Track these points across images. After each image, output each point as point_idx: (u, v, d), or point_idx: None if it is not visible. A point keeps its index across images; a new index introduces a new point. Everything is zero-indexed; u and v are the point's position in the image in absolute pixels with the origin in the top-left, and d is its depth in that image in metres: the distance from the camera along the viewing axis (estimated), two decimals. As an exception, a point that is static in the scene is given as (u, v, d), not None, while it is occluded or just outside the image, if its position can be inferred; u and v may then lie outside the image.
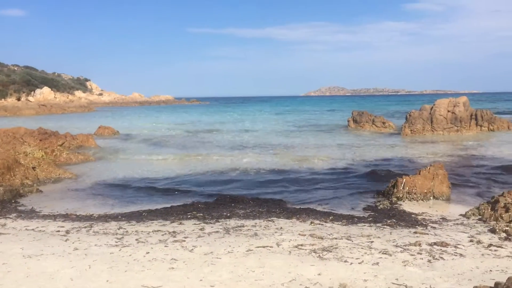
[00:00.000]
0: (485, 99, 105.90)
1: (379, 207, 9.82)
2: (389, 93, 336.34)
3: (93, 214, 9.56)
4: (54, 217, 9.21)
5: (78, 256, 6.22)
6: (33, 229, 7.96)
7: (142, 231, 7.77)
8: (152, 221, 8.70)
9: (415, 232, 7.44)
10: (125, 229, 7.99)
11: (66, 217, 9.25)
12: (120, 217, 9.23)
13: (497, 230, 7.28)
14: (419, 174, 10.86)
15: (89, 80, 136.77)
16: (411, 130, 27.44)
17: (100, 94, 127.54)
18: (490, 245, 6.62)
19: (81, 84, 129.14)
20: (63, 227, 8.22)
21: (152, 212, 9.68)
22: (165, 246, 6.70)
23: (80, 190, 12.68)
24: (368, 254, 6.21)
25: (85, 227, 8.17)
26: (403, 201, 10.29)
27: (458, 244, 6.67)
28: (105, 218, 9.13)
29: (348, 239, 7.05)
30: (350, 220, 8.61)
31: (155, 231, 7.80)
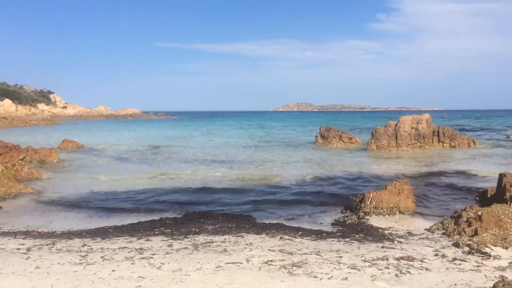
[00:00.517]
0: (446, 117, 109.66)
1: (347, 222, 9.92)
2: (355, 110, 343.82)
3: (55, 231, 9.23)
4: (14, 234, 8.83)
5: (40, 275, 5.98)
6: (-9, 247, 7.60)
7: (107, 248, 7.55)
8: (118, 238, 8.47)
9: (383, 247, 7.55)
10: (89, 246, 7.74)
11: (27, 234, 8.89)
12: (84, 233, 8.95)
13: (461, 244, 7.48)
14: (386, 189, 11.08)
15: (53, 93, 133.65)
16: (376, 146, 28.04)
17: (64, 107, 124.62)
18: (454, 259, 6.79)
19: (44, 96, 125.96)
20: (23, 244, 7.89)
21: (118, 228, 9.44)
22: (132, 264, 6.53)
23: (42, 206, 12.26)
24: (337, 269, 6.25)
25: (47, 245, 7.86)
26: (371, 216, 10.45)
27: (424, 258, 6.80)
28: (69, 235, 8.82)
29: (318, 254, 7.07)
30: (319, 235, 8.66)
31: (121, 248, 7.59)
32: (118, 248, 7.54)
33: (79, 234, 8.90)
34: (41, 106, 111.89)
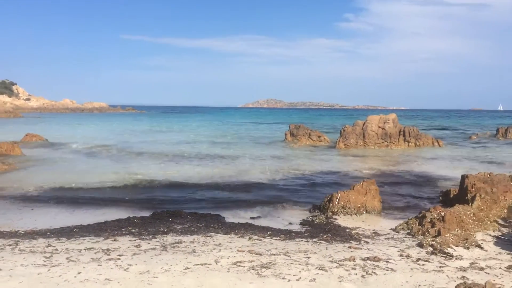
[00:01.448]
0: (412, 116, 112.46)
1: (315, 222, 10.05)
2: (324, 107, 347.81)
3: (18, 230, 8.96)
4: (-27, 234, 8.52)
5: (1, 278, 5.78)
6: (-51, 248, 7.30)
7: (73, 249, 7.38)
8: (84, 238, 8.30)
9: (350, 247, 7.69)
10: (54, 246, 7.55)
11: (-13, 234, 8.59)
12: (48, 233, 8.72)
13: (424, 244, 7.70)
14: (353, 189, 11.28)
15: (15, 84, 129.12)
16: (345, 145, 28.49)
17: (28, 99, 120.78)
18: (418, 259, 6.98)
19: (6, 87, 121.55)
20: (-16, 245, 7.62)
21: (84, 227, 9.24)
22: (98, 265, 6.40)
23: (4, 203, 11.88)
24: (305, 270, 6.32)
25: (9, 245, 7.62)
26: (338, 216, 10.62)
27: (389, 259, 6.97)
28: (32, 234, 8.58)
29: (286, 255, 7.13)
30: (288, 235, 8.73)
31: (88, 248, 7.44)
32: (84, 249, 7.38)
33: (44, 233, 8.66)
34: (3, 97, 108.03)
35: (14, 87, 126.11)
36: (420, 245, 7.77)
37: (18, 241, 7.97)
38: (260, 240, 8.31)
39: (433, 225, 8.46)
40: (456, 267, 6.68)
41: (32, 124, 52.96)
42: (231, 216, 10.80)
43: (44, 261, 6.58)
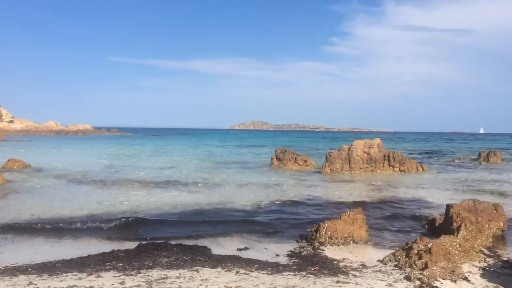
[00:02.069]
0: (396, 139, 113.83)
1: (302, 253, 9.97)
2: (310, 129, 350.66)
3: (-2, 266, 8.69)
4: (-49, 270, 8.24)
5: (-21, 321, 5.59)
6: None
7: (55, 287, 7.19)
8: (67, 274, 8.09)
9: (338, 281, 7.63)
10: (35, 284, 7.34)
11: (-35, 270, 8.32)
12: (30, 269, 8.47)
13: (412, 277, 7.70)
14: (340, 218, 11.26)
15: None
16: (330, 169, 28.61)
17: (11, 122, 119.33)
18: (406, 294, 6.96)
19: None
20: (-38, 283, 7.37)
21: (66, 262, 9.01)
22: (82, 306, 6.24)
23: (-16, 235, 11.55)
24: (293, 308, 6.24)
25: (-12, 283, 7.39)
26: (326, 246, 10.57)
27: (378, 294, 6.94)
28: (13, 271, 8.33)
29: (274, 291, 7.04)
30: (275, 268, 8.64)
31: (70, 286, 7.25)
32: (67, 287, 7.19)
33: (25, 270, 8.42)
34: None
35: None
36: (408, 278, 7.76)
37: (-2, 278, 7.73)
38: (248, 274, 8.21)
39: (420, 257, 8.47)
40: (444, 303, 6.67)
41: (15, 148, 52.17)
42: (217, 247, 10.67)
43: (25, 302, 6.38)
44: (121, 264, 8.85)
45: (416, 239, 9.37)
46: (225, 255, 9.70)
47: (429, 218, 13.28)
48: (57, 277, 7.84)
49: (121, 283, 7.45)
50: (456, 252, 8.86)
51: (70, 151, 49.47)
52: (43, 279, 7.70)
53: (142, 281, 7.58)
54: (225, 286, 7.30)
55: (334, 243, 10.70)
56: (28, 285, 7.31)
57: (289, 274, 8.25)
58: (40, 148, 53.56)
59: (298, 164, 32.11)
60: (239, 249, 10.50)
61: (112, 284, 7.38)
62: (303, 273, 8.33)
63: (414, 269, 8.19)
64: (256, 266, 8.83)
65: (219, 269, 8.55)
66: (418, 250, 8.72)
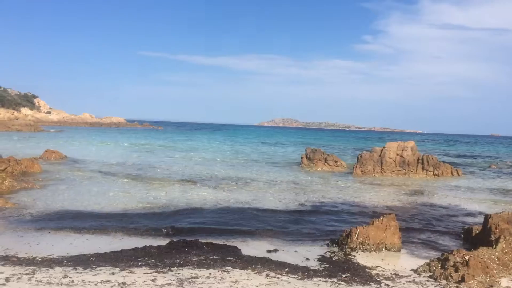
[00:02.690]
0: (429, 140, 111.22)
1: (333, 258, 9.84)
2: (340, 128, 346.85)
3: (36, 257, 8.95)
4: (-8, 259, 8.54)
5: (18, 313, 5.75)
6: (-33, 276, 7.32)
7: (89, 281, 7.33)
8: (101, 268, 8.24)
9: (370, 291, 7.49)
10: (71, 278, 7.50)
11: (6, 259, 8.60)
12: (65, 261, 8.68)
13: (448, 290, 7.46)
14: (372, 224, 11.05)
15: (37, 97, 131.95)
16: (362, 171, 28.19)
17: (48, 112, 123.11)
18: (442, 308, 6.75)
19: (28, 100, 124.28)
20: (2, 273, 7.61)
21: (100, 256, 9.19)
22: (115, 302, 6.33)
23: (23, 225, 11.95)
24: (325, 317, 6.15)
25: (26, 274, 7.60)
26: (357, 252, 10.40)
27: (412, 306, 6.76)
28: (49, 262, 8.55)
29: (305, 297, 6.97)
30: (306, 273, 8.55)
31: (104, 281, 7.38)
32: (101, 282, 7.32)
33: (60, 262, 8.64)
34: (25, 110, 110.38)
35: (35, 100, 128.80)
36: (443, 291, 7.53)
37: (35, 269, 7.94)
38: (278, 277, 8.15)
39: (456, 270, 8.20)
40: (482, 319, 6.44)
41: (52, 139, 53.78)
42: (247, 247, 10.65)
43: (61, 295, 6.53)
44: (152, 260, 8.96)
45: (452, 250, 9.09)
46: (255, 257, 9.67)
47: (465, 228, 12.87)
48: (91, 271, 8.00)
49: (152, 281, 7.53)
50: (495, 265, 8.54)
51: (104, 143, 50.64)
52: (77, 272, 7.87)
53: (173, 280, 7.64)
54: (255, 289, 7.27)
55: (365, 249, 10.52)
56: (64, 277, 7.49)
57: (320, 280, 8.15)
58: (76, 140, 55.06)
59: (329, 165, 31.79)
60: (269, 251, 10.45)
61: (144, 281, 7.47)
62: (334, 279, 8.22)
63: (450, 281, 7.95)
64: (286, 269, 8.76)
65: (249, 271, 8.53)
66: (454, 262, 8.45)
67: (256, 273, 8.41)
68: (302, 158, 34.23)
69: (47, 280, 7.34)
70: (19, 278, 7.38)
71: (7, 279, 7.25)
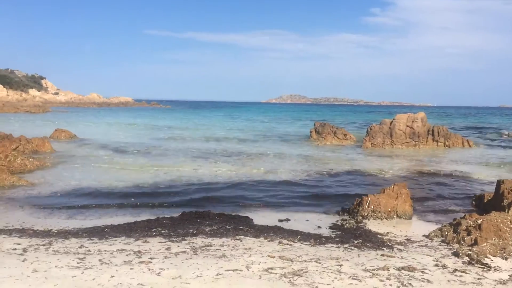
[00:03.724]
0: (439, 113, 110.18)
1: (345, 226, 9.89)
2: (349, 103, 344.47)
3: (51, 229, 9.10)
4: (9, 232, 8.69)
5: (37, 279, 5.87)
6: (-14, 247, 7.47)
7: (105, 250, 7.45)
8: (116, 238, 8.37)
9: (382, 255, 7.52)
10: (87, 247, 7.63)
11: (22, 232, 8.76)
12: (80, 233, 8.82)
13: (461, 253, 7.47)
14: (383, 192, 11.06)
15: (45, 78, 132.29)
16: (371, 144, 28.07)
17: (56, 93, 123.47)
18: (455, 270, 6.77)
19: (35, 82, 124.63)
20: (19, 244, 7.76)
21: (114, 227, 9.33)
22: (131, 269, 6.44)
23: (36, 200, 12.11)
24: (338, 280, 6.21)
25: (43, 245, 7.74)
26: (368, 220, 10.43)
27: (425, 269, 6.79)
28: (65, 234, 8.70)
29: (318, 262, 7.03)
30: (318, 240, 8.61)
31: (119, 250, 7.50)
32: (116, 251, 7.44)
33: (76, 233, 8.78)
34: (33, 91, 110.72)
35: (43, 81, 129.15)
36: (456, 254, 7.54)
37: (52, 240, 8.09)
38: (290, 245, 8.22)
39: (469, 233, 8.20)
40: (495, 280, 6.46)
41: (61, 119, 54.06)
42: (259, 218, 10.72)
43: (78, 263, 6.65)
44: (166, 230, 9.06)
45: (464, 215, 9.08)
46: (267, 226, 9.75)
47: (477, 195, 12.83)
48: (107, 241, 8.12)
49: (167, 249, 7.63)
50: (507, 229, 8.51)
51: (113, 122, 50.83)
52: (93, 242, 8.00)
53: (188, 248, 7.74)
54: (268, 256, 7.34)
55: (377, 217, 10.55)
56: (80, 247, 7.61)
57: (332, 246, 8.20)
58: (84, 119, 55.33)
59: (338, 138, 31.68)
60: (281, 220, 10.52)
61: (159, 250, 7.57)
62: (346, 245, 8.27)
63: (463, 245, 7.95)
64: (298, 237, 8.82)
65: (262, 239, 8.61)
66: (467, 226, 8.45)
67: (268, 240, 8.48)
68: (311, 132, 34.14)
69: (64, 250, 7.47)
70: (36, 248, 7.52)
71: (24, 250, 7.39)
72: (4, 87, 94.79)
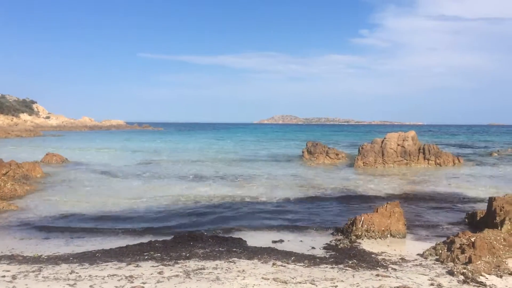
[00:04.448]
0: (430, 132, 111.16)
1: (339, 246, 9.83)
2: (340, 123, 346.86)
3: (41, 255, 8.94)
4: (-2, 258, 8.53)
5: (26, 307, 5.74)
6: (-26, 275, 7.31)
7: (96, 276, 7.32)
8: (107, 263, 8.23)
9: (377, 275, 7.47)
10: (77, 273, 7.50)
11: (11, 258, 8.59)
12: (71, 258, 8.68)
13: (455, 272, 7.45)
14: (377, 212, 11.04)
15: (36, 102, 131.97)
16: (363, 163, 28.16)
17: (48, 117, 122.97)
18: (450, 288, 6.74)
19: (27, 106, 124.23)
20: (8, 271, 7.60)
21: (106, 252, 9.19)
22: (123, 294, 6.32)
23: (26, 226, 11.94)
24: (333, 301, 6.14)
25: (33, 271, 7.59)
26: (362, 239, 10.39)
27: (420, 288, 6.74)
28: (55, 260, 8.55)
29: (312, 283, 6.96)
30: (312, 261, 8.54)
31: (111, 275, 7.37)
32: (107, 276, 7.31)
33: (66, 259, 8.63)
34: (24, 116, 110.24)
35: (34, 106, 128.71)
36: (451, 273, 7.51)
37: (42, 267, 7.94)
38: (284, 266, 8.14)
39: (463, 252, 8.19)
40: (491, 298, 6.42)
41: (52, 143, 53.74)
42: (252, 239, 10.63)
43: (68, 290, 6.52)
44: (158, 254, 8.94)
45: (458, 233, 9.08)
46: (261, 247, 9.67)
47: (470, 212, 12.86)
48: (98, 266, 7.98)
49: (159, 273, 7.52)
50: (501, 246, 8.53)
51: (105, 146, 50.59)
52: (84, 268, 7.86)
53: (180, 271, 7.63)
54: (262, 278, 7.25)
55: (371, 237, 10.51)
56: (70, 273, 7.47)
57: (327, 267, 8.13)
58: (75, 143, 55.02)
59: (330, 158, 31.77)
60: (274, 242, 10.45)
61: (151, 274, 7.46)
62: (341, 266, 8.20)
63: (457, 263, 7.93)
64: (292, 258, 8.75)
65: (256, 260, 8.52)
66: (460, 244, 8.43)
67: (262, 262, 8.40)
68: (303, 152, 34.24)
69: (54, 276, 7.32)
70: (25, 275, 7.37)
71: (13, 277, 7.24)
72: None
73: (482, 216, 11.68)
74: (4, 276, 7.25)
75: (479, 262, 7.72)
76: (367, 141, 33.68)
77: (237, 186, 19.94)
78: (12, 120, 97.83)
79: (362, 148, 29.49)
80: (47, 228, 11.79)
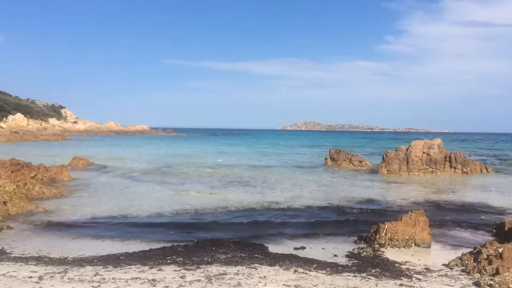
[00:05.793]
0: (456, 140, 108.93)
1: (362, 254, 9.72)
2: (363, 130, 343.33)
3: (67, 257, 9.14)
4: (26, 259, 8.75)
5: (52, 308, 5.87)
6: (3, 274, 7.52)
7: (120, 279, 7.43)
8: (130, 266, 8.35)
9: (401, 285, 7.35)
10: (101, 275, 7.63)
11: (38, 260, 8.81)
12: (96, 260, 8.84)
13: (482, 284, 7.26)
14: (401, 220, 10.88)
15: (64, 107, 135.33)
16: (387, 170, 27.81)
17: (75, 122, 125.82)
18: (477, 300, 6.58)
19: (55, 111, 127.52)
20: (35, 272, 7.79)
21: (129, 255, 9.32)
22: (145, 297, 6.40)
23: (53, 228, 12.21)
24: (355, 310, 6.07)
25: (59, 273, 7.76)
26: (386, 248, 10.24)
27: (445, 299, 6.61)
28: (80, 262, 8.72)
29: (334, 292, 6.90)
30: (334, 268, 8.47)
31: (134, 278, 7.47)
32: (131, 279, 7.41)
33: (91, 261, 8.79)
34: (52, 120, 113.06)
35: (62, 111, 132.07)
36: (477, 284, 7.33)
37: (67, 268, 8.11)
38: (306, 273, 8.10)
39: (490, 263, 7.98)
40: (519, 311, 6.24)
41: (79, 147, 54.94)
42: (274, 246, 10.62)
43: (93, 291, 6.63)
44: (181, 258, 9.02)
45: (485, 243, 8.86)
46: (283, 254, 9.64)
47: (497, 223, 12.52)
48: (121, 269, 8.11)
49: (181, 277, 7.58)
50: (530, 258, 8.27)
51: (130, 150, 51.42)
52: (108, 270, 7.99)
53: (202, 276, 7.67)
54: (284, 285, 7.23)
55: (394, 245, 10.35)
56: (95, 275, 7.61)
57: (349, 275, 8.05)
58: (102, 147, 56.08)
59: (353, 165, 31.49)
60: (296, 248, 10.40)
61: (173, 278, 7.53)
62: (364, 274, 8.11)
63: (484, 274, 7.73)
64: (314, 265, 8.69)
65: (277, 267, 8.50)
66: (487, 255, 8.23)
67: (284, 269, 8.37)
68: (326, 159, 34.04)
69: (79, 278, 7.47)
70: (52, 276, 7.54)
71: (40, 278, 7.42)
72: (25, 116, 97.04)
73: (510, 226, 11.35)
74: (31, 277, 7.44)
75: (507, 273, 7.51)
76: (392, 148, 33.26)
77: (259, 192, 19.96)
78: (41, 125, 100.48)
79: (386, 155, 29.13)
80: (73, 230, 12.03)
